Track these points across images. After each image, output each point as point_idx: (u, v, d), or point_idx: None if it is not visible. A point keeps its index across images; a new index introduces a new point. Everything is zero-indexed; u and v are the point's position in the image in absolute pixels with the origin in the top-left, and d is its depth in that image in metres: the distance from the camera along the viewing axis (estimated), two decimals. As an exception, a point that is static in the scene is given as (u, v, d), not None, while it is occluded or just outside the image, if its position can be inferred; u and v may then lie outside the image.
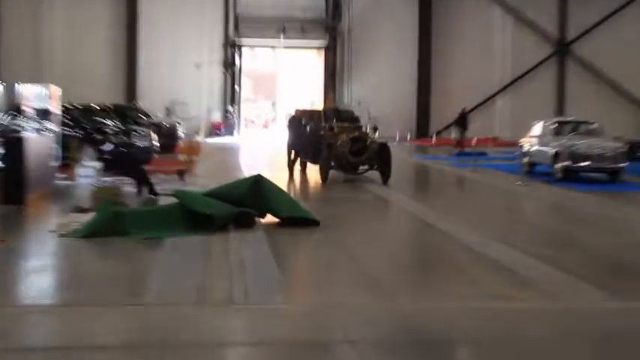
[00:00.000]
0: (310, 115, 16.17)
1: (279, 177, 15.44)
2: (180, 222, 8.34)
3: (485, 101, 34.29)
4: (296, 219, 8.91)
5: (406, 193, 13.30)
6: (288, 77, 64.01)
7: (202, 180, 14.05)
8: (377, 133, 14.93)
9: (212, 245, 7.63)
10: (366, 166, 14.45)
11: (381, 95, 33.74)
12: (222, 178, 14.42)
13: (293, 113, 16.25)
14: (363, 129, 15.48)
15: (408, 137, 25.46)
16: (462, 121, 25.01)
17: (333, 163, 14.19)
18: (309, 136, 15.24)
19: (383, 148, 14.13)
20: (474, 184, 15.79)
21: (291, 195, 9.97)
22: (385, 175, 14.00)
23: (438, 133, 32.99)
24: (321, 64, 37.22)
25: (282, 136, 39.66)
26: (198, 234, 8.07)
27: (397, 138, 30.26)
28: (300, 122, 15.83)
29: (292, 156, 16.17)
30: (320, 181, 14.23)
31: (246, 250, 7.42)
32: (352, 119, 15.73)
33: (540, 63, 34.27)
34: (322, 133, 14.70)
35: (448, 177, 17.25)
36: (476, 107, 33.69)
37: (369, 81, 34.54)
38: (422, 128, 34.48)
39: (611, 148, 15.17)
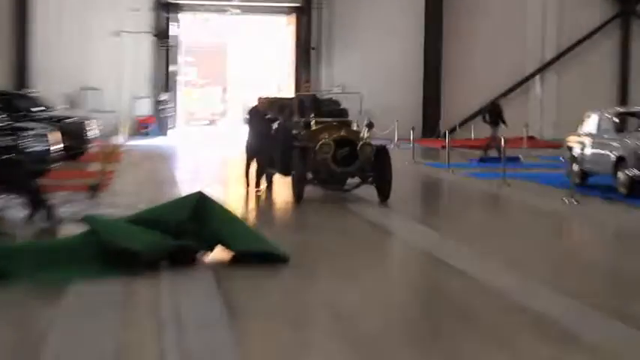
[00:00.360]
0: (279, 106, 16.09)
1: (233, 195, 15.31)
2: (91, 260, 8.39)
3: (517, 87, 34.53)
4: (256, 254, 8.95)
5: (412, 216, 13.26)
6: (244, 53, 64.01)
7: (123, 199, 14.01)
8: (369, 133, 14.88)
9: (136, 294, 7.57)
10: (356, 179, 14.34)
11: (374, 79, 33.84)
12: (152, 196, 14.32)
13: (254, 104, 15.89)
14: (353, 126, 15.34)
15: (411, 137, 25.44)
16: (494, 117, 24.86)
17: (310, 175, 14.09)
18: (276, 137, 15.08)
19: (380, 154, 14.06)
20: (504, 204, 15.73)
21: (249, 221, 9.86)
22: (384, 191, 13.97)
23: (452, 130, 33.12)
24: (292, 35, 37.20)
25: (237, 135, 39.77)
26: (115, 276, 8.08)
27: (396, 138, 30.28)
28: (263, 117, 15.59)
29: (253, 165, 15.91)
30: (292, 201, 14.09)
31: (185, 302, 7.32)
32: (337, 112, 15.59)
33: (595, 31, 34.52)
34: (295, 132, 14.58)
35: (468, 193, 17.29)
36: (503, 95, 33.91)
37: (358, 59, 34.65)
38: (430, 125, 34.61)
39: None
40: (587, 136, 17.06)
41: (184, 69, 40.96)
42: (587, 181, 16.92)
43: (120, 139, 28.57)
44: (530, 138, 29.73)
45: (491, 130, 24.73)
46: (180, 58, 37.74)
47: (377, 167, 14.03)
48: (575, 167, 16.64)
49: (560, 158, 18.60)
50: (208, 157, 26.17)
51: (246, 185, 15.83)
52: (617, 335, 6.47)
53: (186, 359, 5.78)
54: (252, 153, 15.72)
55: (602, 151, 16.12)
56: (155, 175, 19.11)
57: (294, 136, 14.65)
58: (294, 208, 13.79)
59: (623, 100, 33.21)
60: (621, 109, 18.02)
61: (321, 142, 13.92)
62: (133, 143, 30.39)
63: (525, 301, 7.45)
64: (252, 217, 13.14)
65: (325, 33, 35.50)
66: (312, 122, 14.76)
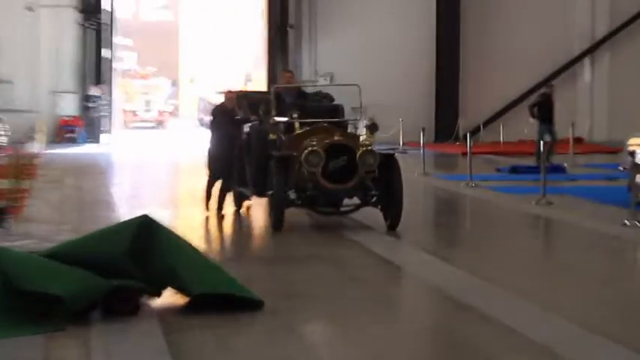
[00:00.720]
0: (251, 102, 15.80)
1: (189, 221, 15.27)
2: None
3: (559, 73, 34.67)
4: (218, 298, 8.93)
5: (426, 247, 13.12)
6: (201, 35, 63.85)
7: (41, 227, 13.94)
8: (371, 137, 14.40)
9: (58, 357, 7.50)
10: (355, 200, 14.18)
11: (371, 67, 33.96)
12: (79, 223, 14.22)
13: (219, 101, 15.95)
14: (350, 129, 15.24)
15: (421, 140, 25.46)
16: (546, 112, 24.78)
17: (293, 195, 13.76)
18: (248, 144, 14.88)
19: (388, 166, 13.84)
20: (544, 228, 15.80)
21: (210, 255, 9.82)
22: (392, 215, 13.78)
23: (475, 132, 33.22)
24: (263, 11, 37.28)
25: (193, 142, 39.75)
26: (29, 333, 7.98)
27: (401, 142, 30.33)
28: (231, 117, 15.50)
29: (217, 180, 15.75)
30: (269, 227, 13.97)
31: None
32: (329, 110, 15.39)
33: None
34: (273, 137, 14.32)
35: (497, 215, 17.38)
36: (539, 87, 34.00)
37: (350, 41, 34.74)
38: (445, 125, 34.71)
39: None
40: (656, 138, 17.10)
41: (121, 54, 41.01)
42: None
43: (37, 147, 28.46)
44: (578, 140, 29.86)
45: (538, 128, 24.75)
46: (115, 41, 37.75)
47: (383, 183, 13.77)
48: (638, 179, 16.64)
49: (619, 167, 18.60)
50: (155, 171, 26.15)
51: (206, 208, 15.71)
52: None
53: None
54: (216, 166, 15.63)
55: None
56: (84, 195, 19.08)
57: (271, 143, 14.25)
58: (271, 237, 13.65)
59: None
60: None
61: (307, 150, 13.51)
62: (54, 152, 30.30)
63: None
64: (214, 249, 12.99)
65: (306, 7, 35.61)
66: (296, 124, 14.41)
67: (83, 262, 8.91)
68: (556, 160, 24.47)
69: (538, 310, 9.03)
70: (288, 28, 35.66)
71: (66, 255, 9.14)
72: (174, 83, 61.67)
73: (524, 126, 31.85)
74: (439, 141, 34.15)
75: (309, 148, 13.51)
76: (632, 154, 17.57)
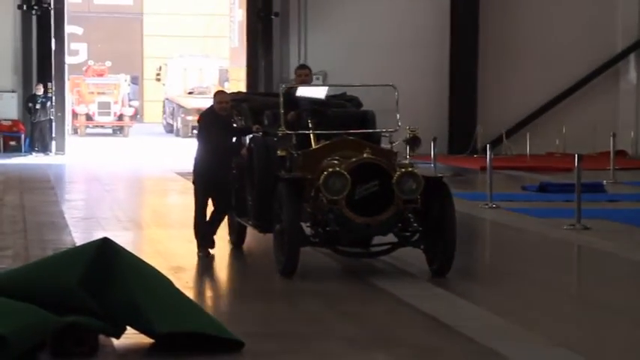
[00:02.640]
0: (253, 107, 14.62)
1: (156, 244, 15.20)
2: None
3: (598, 74, 34.81)
4: (190, 337, 8.96)
5: (440, 281, 12.75)
6: (167, 23, 64.09)
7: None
8: (412, 154, 13.64)
9: None
10: (390, 237, 12.82)
11: (372, 65, 33.98)
12: (24, 248, 14.21)
13: (209, 104, 14.38)
14: (383, 143, 13.78)
15: (432, 152, 25.58)
16: None
17: (310, 230, 12.63)
18: (249, 162, 13.81)
19: (434, 194, 12.52)
20: (578, 257, 15.87)
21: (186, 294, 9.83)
22: (441, 257, 12.46)
23: (496, 143, 33.31)
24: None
25: (158, 150, 39.54)
26: None
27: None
28: (226, 126, 14.09)
29: (209, 208, 14.28)
30: (277, 272, 12.54)
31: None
32: (356, 119, 14.17)
33: None
34: (282, 152, 12.94)
35: (523, 241, 17.36)
36: (575, 90, 34.22)
37: (346, 33, 34.78)
38: (460, 135, 34.77)
39: None
40: None
41: (75, 48, 40.99)
42: None
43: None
44: (620, 154, 29.99)
45: None
46: (66, 31, 37.75)
47: (428, 216, 12.46)
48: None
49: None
50: (115, 186, 26.15)
51: (200, 247, 14.17)
52: None
53: None
54: (208, 189, 14.03)
55: None
56: (29, 215, 19.04)
57: (280, 161, 12.95)
58: (280, 283, 12.24)
59: None
60: None
61: (328, 172, 12.05)
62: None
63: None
64: (206, 297, 12.06)
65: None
66: (313, 137, 13.11)
67: (29, 294, 8.95)
68: (592, 177, 24.54)
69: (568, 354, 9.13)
70: (273, 17, 35.67)
71: (9, 287, 9.16)
72: (136, 81, 61.61)
73: (556, 136, 32.02)
74: (453, 153, 34.19)
75: (330, 169, 12.12)
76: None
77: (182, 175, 27.85)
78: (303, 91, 14.01)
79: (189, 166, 25.65)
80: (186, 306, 9.38)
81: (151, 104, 61.62)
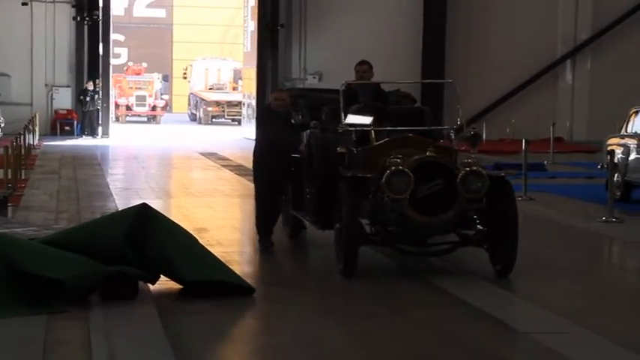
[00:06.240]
0: (312, 103, 12.39)
1: (184, 209, 15.21)
2: None
3: (541, 75, 34.75)
4: (211, 284, 8.98)
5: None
6: (192, 32, 63.95)
7: (39, 215, 13.93)
8: (474, 152, 10.88)
9: (60, 336, 7.51)
10: (451, 236, 10.62)
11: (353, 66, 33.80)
12: (76, 212, 14.25)
13: (271, 98, 12.42)
14: (442, 140, 11.94)
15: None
16: None
17: (369, 228, 10.48)
18: (308, 159, 11.59)
19: (497, 193, 10.23)
20: (526, 223, 15.81)
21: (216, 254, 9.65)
22: (504, 257, 10.16)
23: (459, 131, 33.17)
24: (253, 10, 37.27)
25: (186, 135, 39.51)
26: (32, 314, 8.02)
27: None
28: (285, 122, 11.69)
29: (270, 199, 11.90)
30: (337, 274, 10.18)
31: (122, 345, 7.32)
32: (414, 115, 11.91)
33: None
34: (342, 150, 10.99)
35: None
36: (522, 87, 34.12)
37: (338, 40, 34.65)
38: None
39: None
40: (633, 138, 17.18)
41: (117, 51, 40.91)
42: (631, 195, 17.04)
43: (34, 139, 28.46)
44: (558, 140, 29.99)
45: None
46: (111, 38, 37.63)
47: (491, 215, 10.25)
48: (617, 177, 16.78)
49: (598, 166, 18.70)
50: (149, 163, 26.12)
51: (261, 239, 11.82)
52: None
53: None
54: (269, 182, 11.65)
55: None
56: (80, 186, 19.00)
57: (340, 158, 10.95)
58: (339, 283, 9.95)
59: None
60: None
61: (391, 171, 9.84)
62: (50, 144, 30.28)
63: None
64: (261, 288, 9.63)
65: (296, 7, 35.53)
66: (373, 135, 10.87)
67: (83, 248, 8.95)
68: (536, 158, 24.55)
69: (510, 295, 9.13)
70: (279, 28, 35.60)
71: (66, 242, 9.19)
72: (166, 79, 61.41)
73: (507, 125, 32.02)
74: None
75: (393, 168, 9.87)
76: (610, 154, 17.70)
77: (203, 154, 27.91)
78: (363, 87, 11.80)
79: (210, 147, 25.71)
80: (208, 259, 9.37)
81: (179, 98, 61.40)
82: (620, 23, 34.35)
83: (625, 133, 17.58)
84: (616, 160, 17.20)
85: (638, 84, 31.42)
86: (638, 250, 13.09)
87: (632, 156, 16.93)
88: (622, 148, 17.32)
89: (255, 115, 35.45)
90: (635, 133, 17.18)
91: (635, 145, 16.93)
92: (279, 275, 10.52)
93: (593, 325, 8.11)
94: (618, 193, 16.50)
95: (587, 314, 8.64)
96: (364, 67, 11.78)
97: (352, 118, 11.03)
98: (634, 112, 17.68)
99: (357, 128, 10.93)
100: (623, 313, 8.87)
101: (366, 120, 11.01)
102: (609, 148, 17.89)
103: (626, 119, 17.78)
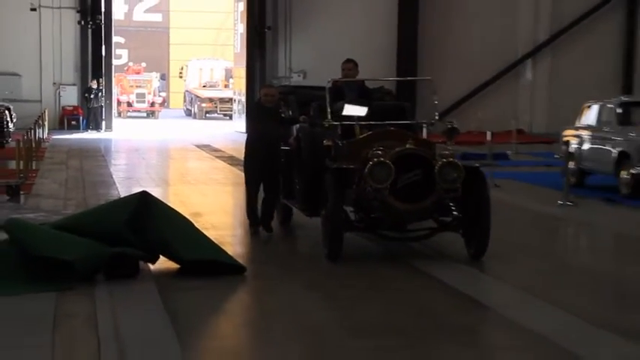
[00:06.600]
0: (301, 99, 12.32)
1: (181, 196, 15.20)
2: (13, 274, 8.35)
3: (505, 72, 34.81)
4: (207, 264, 9.00)
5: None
6: (187, 35, 63.85)
7: (49, 202, 13.92)
8: (451, 144, 10.89)
9: (69, 311, 7.56)
10: (430, 223, 10.50)
11: (339, 68, 33.77)
12: (83, 199, 14.23)
13: (261, 94, 12.07)
14: (422, 133, 11.78)
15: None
16: None
17: (353, 216, 10.39)
18: (297, 151, 11.45)
19: (472, 182, 10.09)
20: (493, 207, 15.86)
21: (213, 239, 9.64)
22: (477, 242, 10.11)
23: (431, 124, 33.18)
24: (243, 14, 37.17)
25: (181, 128, 39.48)
26: (43, 291, 8.06)
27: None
28: (275, 116, 11.64)
29: (257, 189, 11.79)
30: (323, 257, 10.02)
31: (125, 319, 7.35)
32: (395, 111, 11.77)
33: (596, 8, 34.53)
34: (328, 142, 10.88)
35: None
36: (488, 84, 34.14)
37: (321, 41, 34.62)
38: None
39: None
40: (585, 130, 17.28)
41: (118, 52, 40.75)
42: (585, 181, 17.14)
43: (43, 133, 28.39)
44: (520, 132, 30.05)
45: None
46: (113, 40, 37.51)
47: (466, 203, 10.14)
48: (572, 165, 16.87)
49: (555, 155, 18.80)
50: (149, 154, 26.07)
51: (253, 226, 11.74)
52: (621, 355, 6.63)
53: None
54: (256, 174, 11.63)
55: (603, 147, 16.33)
56: (86, 175, 18.99)
57: (326, 150, 10.81)
58: (325, 267, 9.72)
59: (628, 88, 33.39)
60: (625, 99, 18.26)
61: (373, 162, 9.76)
62: (58, 138, 30.21)
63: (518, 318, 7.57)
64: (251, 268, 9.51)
65: (282, 10, 35.46)
66: (358, 128, 10.87)
67: (89, 232, 8.97)
68: (500, 149, 24.59)
69: (474, 272, 9.19)
70: (266, 30, 35.55)
71: (73, 226, 9.21)
72: (164, 77, 61.27)
73: (474, 118, 32.05)
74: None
75: (375, 159, 9.79)
76: (566, 144, 17.80)
77: (198, 146, 27.87)
78: (349, 84, 11.63)
79: (204, 139, 25.59)
80: (203, 241, 9.39)
81: (175, 95, 61.28)
82: (577, 25, 34.41)
83: (579, 125, 17.68)
84: (571, 150, 17.32)
85: (592, 81, 31.61)
86: (590, 231, 13.22)
87: (586, 146, 17.04)
88: (577, 139, 17.43)
89: (245, 111, 35.56)
90: (588, 125, 17.28)
91: (588, 136, 17.04)
92: (269, 256, 10.50)
93: (555, 300, 8.15)
94: (574, 180, 16.60)
95: (550, 290, 8.67)
96: (349, 65, 11.64)
97: (348, 110, 10.96)
98: (586, 107, 17.79)
99: (343, 123, 10.81)
100: (581, 288, 8.91)
101: (361, 111, 10.95)
102: (565, 139, 18.02)
103: (580, 113, 17.89)
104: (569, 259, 10.91)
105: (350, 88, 11.50)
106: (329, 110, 10.80)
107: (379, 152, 9.88)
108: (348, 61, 11.71)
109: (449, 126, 10.92)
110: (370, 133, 10.55)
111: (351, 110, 10.98)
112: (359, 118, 10.89)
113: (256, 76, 35.41)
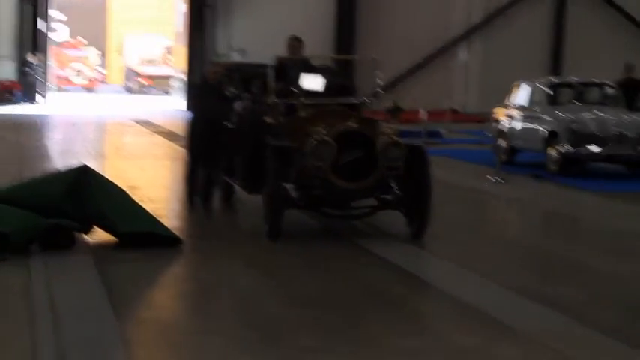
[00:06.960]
0: (245, 76, 12.16)
1: (119, 170, 15.04)
2: None
3: (440, 54, 35.01)
4: (143, 236, 8.97)
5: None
6: (127, 12, 63.21)
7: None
8: (394, 122, 10.76)
9: (3, 282, 7.51)
10: (371, 201, 10.25)
11: (280, 46, 33.65)
12: (18, 173, 13.99)
13: (204, 74, 11.80)
14: (364, 112, 11.45)
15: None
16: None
17: (295, 193, 9.75)
18: (239, 127, 11.12)
19: (414, 161, 9.92)
20: (444, 190, 15.95)
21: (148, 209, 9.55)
22: (417, 220, 9.91)
23: (373, 102, 33.21)
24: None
25: (120, 104, 39.21)
26: None
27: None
28: (219, 94, 11.51)
29: (198, 167, 11.68)
30: (264, 234, 9.73)
31: (60, 290, 7.30)
32: (339, 89, 11.35)
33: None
34: (270, 120, 10.59)
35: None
36: (424, 65, 34.30)
37: (262, 19, 34.44)
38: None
39: (636, 124, 15.69)
40: (516, 109, 17.48)
41: (56, 27, 40.16)
42: (515, 159, 17.34)
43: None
44: (453, 111, 30.27)
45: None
46: (52, 14, 36.98)
47: (408, 181, 9.88)
48: (502, 143, 17.05)
49: (486, 133, 18.97)
50: (86, 129, 25.80)
51: (189, 202, 11.64)
52: (547, 320, 6.77)
53: (62, 353, 5.74)
54: (198, 150, 11.47)
55: (532, 126, 16.56)
56: (22, 150, 18.69)
57: (268, 128, 10.48)
58: (265, 246, 9.44)
59: (557, 69, 33.91)
60: (554, 80, 18.53)
61: (315, 140, 9.58)
62: (-6, 111, 29.74)
63: (456, 292, 7.67)
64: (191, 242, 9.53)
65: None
66: (301, 104, 10.50)
67: (25, 203, 8.88)
68: (434, 127, 24.76)
69: (414, 247, 9.31)
70: (205, 7, 35.28)
71: (10, 198, 9.08)
72: (103, 54, 60.54)
73: (410, 97, 32.17)
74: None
75: (317, 137, 9.60)
76: (497, 122, 17.98)
77: (137, 122, 27.61)
78: (293, 62, 11.19)
79: (142, 115, 25.32)
80: (140, 213, 9.33)
81: (114, 70, 60.66)
82: (510, 8, 34.72)
83: (509, 104, 17.86)
84: (502, 129, 17.52)
85: (523, 63, 31.89)
86: (518, 206, 13.44)
87: (517, 125, 17.24)
88: (507, 118, 17.62)
89: (184, 88, 35.31)
90: (520, 105, 17.47)
91: (519, 116, 17.24)
92: (208, 231, 10.45)
93: (487, 273, 8.29)
94: (504, 157, 16.79)
95: (483, 264, 8.79)
96: (294, 43, 11.33)
97: (305, 81, 10.66)
98: (516, 85, 17.98)
99: (286, 100, 10.53)
100: (512, 263, 9.05)
101: (318, 84, 10.68)
102: (495, 117, 18.21)
103: (509, 91, 18.06)
104: (500, 234, 11.07)
105: (294, 66, 11.10)
106: (273, 87, 10.54)
107: (321, 130, 9.63)
108: (294, 38, 11.41)
109: (391, 106, 10.39)
110: (313, 111, 10.28)
111: (308, 82, 10.72)
112: (307, 92, 10.55)
113: (196, 53, 35.14)
